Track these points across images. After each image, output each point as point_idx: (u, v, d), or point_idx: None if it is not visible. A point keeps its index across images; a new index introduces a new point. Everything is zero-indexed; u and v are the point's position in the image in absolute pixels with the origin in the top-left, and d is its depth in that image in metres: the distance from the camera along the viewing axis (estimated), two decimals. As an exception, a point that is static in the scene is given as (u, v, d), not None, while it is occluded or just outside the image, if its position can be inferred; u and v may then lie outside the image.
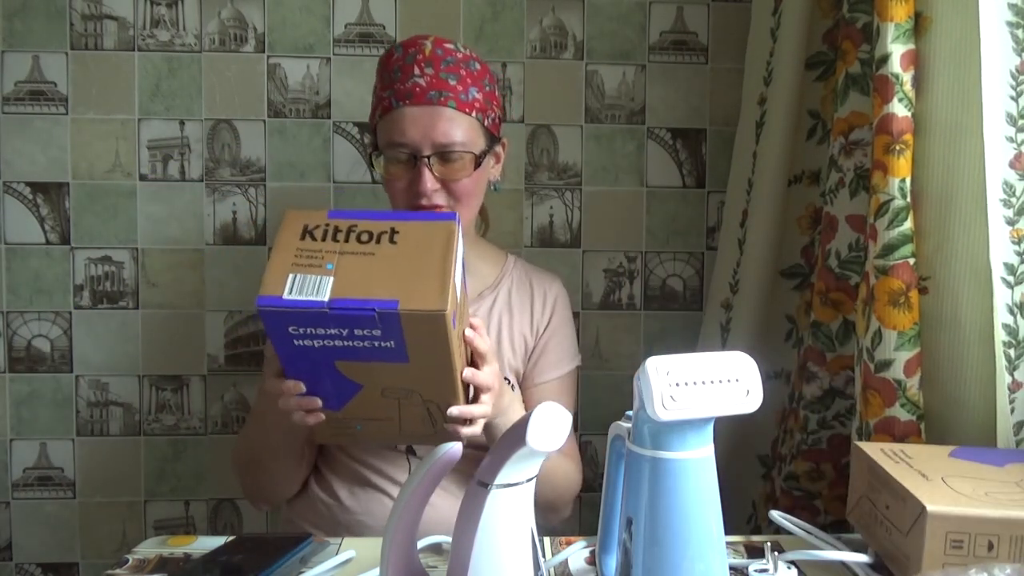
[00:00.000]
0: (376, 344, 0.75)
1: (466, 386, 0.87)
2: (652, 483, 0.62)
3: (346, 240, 0.78)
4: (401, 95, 0.99)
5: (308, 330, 0.75)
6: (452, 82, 1.00)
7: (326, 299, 0.73)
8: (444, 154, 1.00)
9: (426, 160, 0.99)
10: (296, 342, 0.76)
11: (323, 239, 0.78)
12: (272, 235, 1.42)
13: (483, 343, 0.88)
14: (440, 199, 1.01)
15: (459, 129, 1.00)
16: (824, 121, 1.23)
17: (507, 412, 0.96)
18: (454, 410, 0.84)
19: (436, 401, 0.83)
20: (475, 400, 0.88)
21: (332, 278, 0.75)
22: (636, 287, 1.47)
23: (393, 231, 0.79)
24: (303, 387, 0.82)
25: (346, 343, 0.76)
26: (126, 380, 1.43)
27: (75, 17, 1.37)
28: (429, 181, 0.99)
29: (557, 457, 1.06)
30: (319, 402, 0.83)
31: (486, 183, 1.07)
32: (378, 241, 0.78)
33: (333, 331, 0.75)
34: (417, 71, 1.00)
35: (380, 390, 0.82)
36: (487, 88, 1.04)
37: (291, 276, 0.75)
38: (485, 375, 0.87)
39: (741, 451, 1.33)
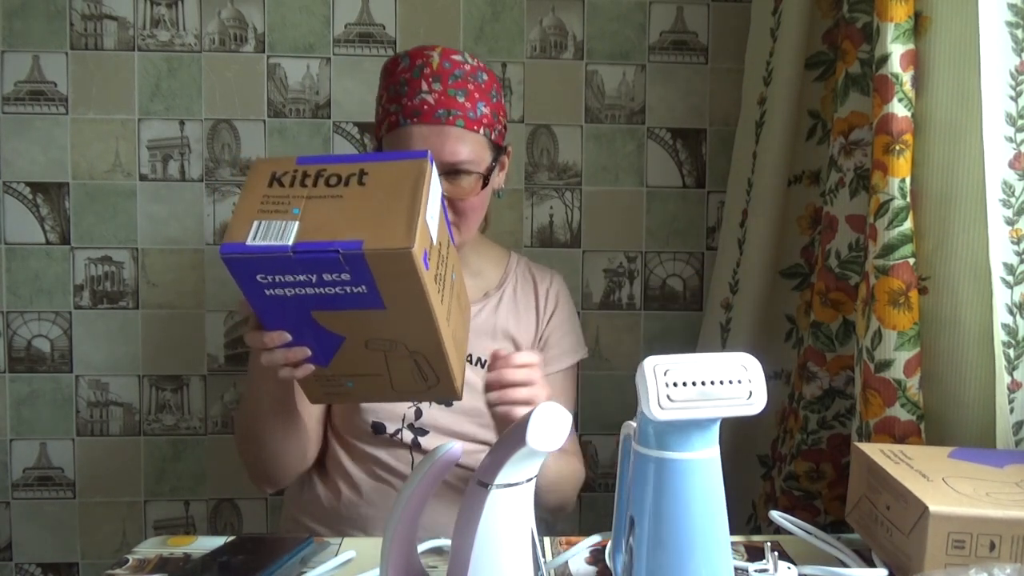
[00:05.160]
0: (348, 290, 0.73)
1: (461, 349, 0.85)
2: (656, 484, 0.61)
3: (314, 184, 0.76)
4: (409, 112, 0.99)
5: (276, 278, 0.73)
6: (460, 99, 0.99)
7: (291, 242, 0.71)
8: (451, 173, 0.99)
9: None
10: (267, 292, 0.74)
11: (291, 185, 0.76)
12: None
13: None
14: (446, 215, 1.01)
15: (467, 148, 0.99)
16: (824, 121, 1.23)
17: None
18: (500, 351, 0.86)
19: (423, 352, 0.80)
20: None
21: (298, 223, 0.72)
22: (636, 287, 1.47)
23: (363, 172, 0.77)
24: (288, 336, 0.79)
25: (317, 290, 0.73)
26: (126, 380, 1.43)
27: (75, 17, 1.37)
28: None
29: (566, 460, 1.06)
30: (307, 351, 0.80)
31: (490, 194, 1.07)
32: (347, 184, 0.76)
33: (302, 277, 0.72)
34: (425, 86, 0.98)
35: (363, 341, 0.79)
36: (495, 100, 1.03)
37: (256, 223, 0.73)
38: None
39: (741, 451, 1.33)
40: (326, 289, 0.73)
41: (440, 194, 0.81)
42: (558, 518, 1.11)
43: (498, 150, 1.05)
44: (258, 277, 0.73)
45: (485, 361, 1.10)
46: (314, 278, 0.72)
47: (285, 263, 0.71)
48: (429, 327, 0.77)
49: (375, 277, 0.72)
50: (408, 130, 0.99)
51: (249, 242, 0.71)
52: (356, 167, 0.77)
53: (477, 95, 1.00)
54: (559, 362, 1.14)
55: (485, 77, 1.03)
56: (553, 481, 1.01)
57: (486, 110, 1.01)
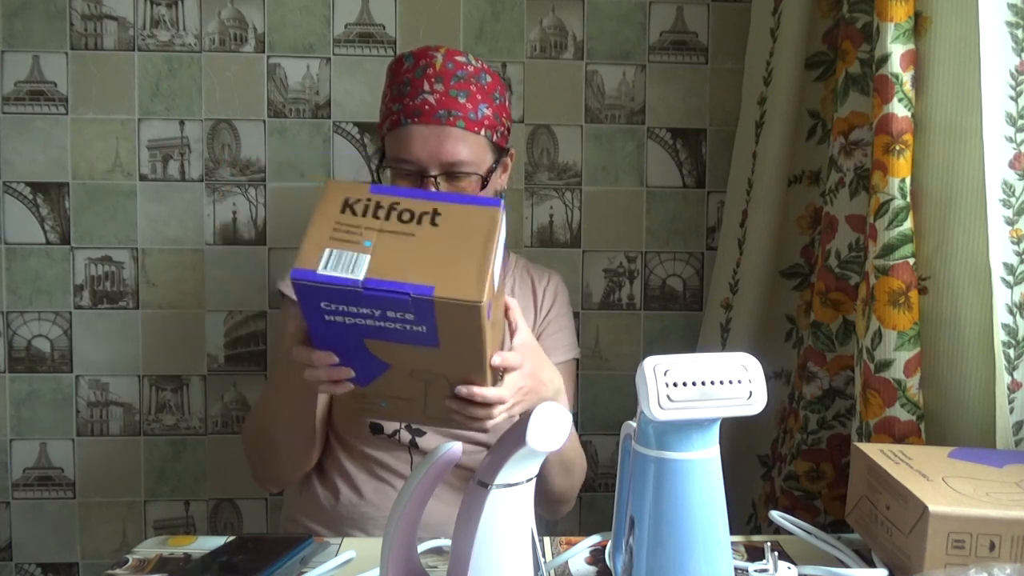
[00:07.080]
0: (407, 327, 0.74)
1: (496, 374, 0.85)
2: (656, 484, 0.61)
3: (387, 218, 0.76)
4: (410, 112, 0.99)
5: (340, 307, 0.74)
6: (462, 100, 0.99)
7: (361, 277, 0.72)
8: (451, 173, 1.00)
9: (433, 179, 0.99)
10: (327, 317, 0.75)
11: (363, 214, 0.76)
12: (272, 235, 1.42)
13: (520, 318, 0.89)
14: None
15: (467, 148, 1.00)
16: (824, 121, 1.23)
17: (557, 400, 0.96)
18: (462, 389, 0.81)
19: None
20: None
21: (369, 256, 0.73)
22: (636, 287, 1.47)
23: (435, 212, 0.77)
24: (335, 358, 0.80)
25: (377, 323, 0.74)
26: (126, 380, 1.43)
27: (75, 17, 1.37)
28: None
29: (571, 444, 1.07)
30: (351, 372, 0.81)
31: (491, 195, 1.07)
32: (419, 222, 0.76)
33: (365, 310, 0.73)
34: (427, 86, 0.99)
35: (408, 371, 0.80)
36: (497, 102, 1.03)
37: (327, 251, 0.73)
38: (514, 357, 0.85)
39: (741, 451, 1.33)
40: (386, 323, 0.74)
41: (504, 239, 0.81)
42: (558, 513, 1.11)
43: (500, 152, 1.06)
44: (322, 304, 0.74)
45: None
46: (377, 312, 0.73)
47: (353, 296, 0.72)
48: (478, 368, 0.79)
49: (438, 321, 0.73)
50: (409, 129, 0.99)
51: (320, 271, 0.72)
52: (429, 205, 0.77)
53: (479, 96, 1.01)
54: (552, 356, 1.14)
55: (488, 79, 1.03)
56: (568, 456, 1.03)
57: (488, 112, 1.01)
